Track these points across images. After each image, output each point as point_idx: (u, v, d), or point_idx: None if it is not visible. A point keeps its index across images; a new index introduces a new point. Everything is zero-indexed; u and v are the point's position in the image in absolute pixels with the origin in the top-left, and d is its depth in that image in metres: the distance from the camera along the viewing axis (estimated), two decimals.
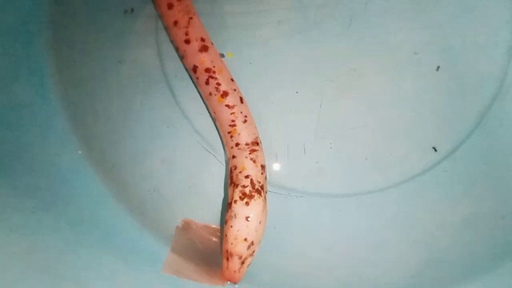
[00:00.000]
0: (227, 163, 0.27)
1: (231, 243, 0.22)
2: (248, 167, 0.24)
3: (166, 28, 0.26)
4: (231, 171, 0.25)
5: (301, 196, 0.27)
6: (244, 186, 0.23)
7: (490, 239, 0.27)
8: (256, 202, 0.23)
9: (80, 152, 0.27)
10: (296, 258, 0.27)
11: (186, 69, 0.27)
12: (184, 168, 0.27)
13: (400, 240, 0.27)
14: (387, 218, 0.27)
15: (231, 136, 0.24)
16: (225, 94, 0.24)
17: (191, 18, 0.25)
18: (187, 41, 0.24)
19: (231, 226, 0.23)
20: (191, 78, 0.27)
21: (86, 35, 0.27)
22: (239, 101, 0.25)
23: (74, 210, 0.25)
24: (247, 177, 0.24)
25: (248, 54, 0.27)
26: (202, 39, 0.24)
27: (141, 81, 0.27)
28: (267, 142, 0.27)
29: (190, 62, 0.25)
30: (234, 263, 0.22)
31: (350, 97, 0.27)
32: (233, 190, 0.24)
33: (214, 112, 0.25)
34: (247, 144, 0.24)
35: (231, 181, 0.24)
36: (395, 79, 0.28)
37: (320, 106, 0.28)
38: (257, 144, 0.25)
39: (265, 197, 0.24)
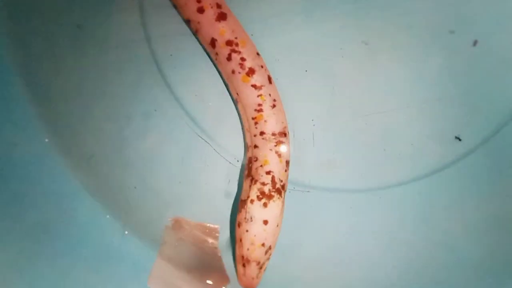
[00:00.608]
0: (240, 154, 0.25)
1: (248, 249, 0.21)
2: (271, 162, 0.22)
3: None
4: (250, 162, 0.22)
5: (308, 191, 0.25)
6: (263, 184, 0.21)
7: None
8: (275, 204, 0.21)
9: (47, 140, 0.23)
10: (301, 260, 0.25)
11: (202, 46, 0.23)
12: (174, 159, 0.24)
13: (418, 241, 0.25)
14: (404, 216, 0.25)
15: (256, 123, 0.22)
16: (251, 72, 0.21)
17: None
18: (201, 10, 0.21)
19: (247, 230, 0.21)
20: (209, 56, 0.23)
21: None
22: (267, 80, 0.22)
23: (38, 212, 0.22)
24: (268, 173, 0.22)
25: (248, 28, 0.24)
26: (218, 5, 0.21)
27: (123, 55, 0.24)
28: None
29: (206, 35, 0.22)
30: (252, 269, 0.21)
31: (367, 78, 0.25)
32: (250, 186, 0.22)
33: (237, 94, 0.22)
34: (273, 134, 0.22)
35: (248, 173, 0.22)
36: (420, 56, 0.25)
37: (333, 88, 0.25)
38: (285, 135, 0.22)
39: (284, 197, 0.22)
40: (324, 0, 0.24)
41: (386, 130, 0.25)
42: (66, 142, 0.23)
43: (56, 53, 0.23)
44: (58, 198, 0.23)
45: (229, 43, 0.21)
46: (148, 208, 0.24)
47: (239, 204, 0.22)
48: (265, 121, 0.22)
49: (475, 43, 0.24)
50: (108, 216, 0.24)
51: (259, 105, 0.22)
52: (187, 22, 0.23)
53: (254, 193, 0.21)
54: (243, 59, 0.21)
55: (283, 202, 0.22)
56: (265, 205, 0.21)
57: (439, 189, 0.25)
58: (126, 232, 0.24)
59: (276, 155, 0.22)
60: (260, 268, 0.22)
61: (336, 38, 0.24)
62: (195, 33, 0.23)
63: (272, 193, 0.21)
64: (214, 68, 0.24)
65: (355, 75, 0.25)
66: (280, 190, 0.22)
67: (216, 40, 0.21)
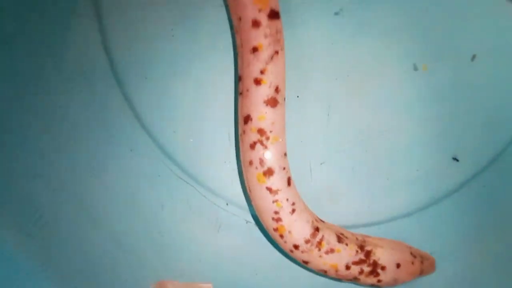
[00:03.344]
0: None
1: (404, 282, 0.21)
2: (328, 269, 0.20)
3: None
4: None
5: None
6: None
7: None
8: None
9: None
10: None
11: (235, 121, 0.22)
12: (154, 207, 0.22)
13: (431, 276, 0.23)
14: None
15: (281, 236, 0.19)
16: (269, 173, 0.19)
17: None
18: (257, 82, 0.19)
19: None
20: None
21: None
22: (286, 183, 0.20)
23: None
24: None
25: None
26: (277, 90, 0.19)
27: (84, 84, 0.22)
28: None
29: (245, 108, 0.20)
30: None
31: (365, 99, 0.24)
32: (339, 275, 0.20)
33: (250, 191, 0.20)
34: (307, 242, 0.19)
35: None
36: (422, 71, 0.23)
37: (328, 114, 0.23)
38: (318, 230, 0.20)
39: (348, 241, 0.20)
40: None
41: (389, 155, 0.24)
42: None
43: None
44: None
45: (261, 131, 0.19)
46: (120, 274, 0.21)
47: None
48: (289, 232, 0.19)
49: (473, 57, 0.23)
50: None
51: (276, 213, 0.19)
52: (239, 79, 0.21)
53: (355, 270, 0.20)
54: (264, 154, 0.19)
55: (353, 242, 0.20)
56: (375, 276, 0.20)
57: (452, 216, 0.24)
58: None
59: (328, 259, 0.19)
60: (422, 265, 0.21)
61: (336, 59, 0.23)
62: (239, 94, 0.20)
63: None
64: (191, 99, 0.23)
65: (353, 97, 0.24)
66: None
67: (251, 119, 0.19)
